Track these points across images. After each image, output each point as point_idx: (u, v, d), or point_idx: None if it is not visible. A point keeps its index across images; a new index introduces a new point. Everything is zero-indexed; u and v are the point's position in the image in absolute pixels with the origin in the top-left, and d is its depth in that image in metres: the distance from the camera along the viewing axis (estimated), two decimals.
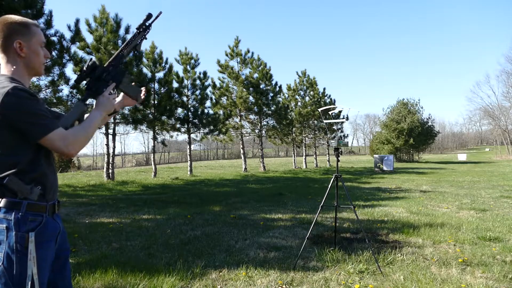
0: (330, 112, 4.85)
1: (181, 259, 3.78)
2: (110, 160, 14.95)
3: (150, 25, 1.75)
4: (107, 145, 14.94)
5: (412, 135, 38.03)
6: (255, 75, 22.94)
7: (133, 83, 1.76)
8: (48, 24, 10.50)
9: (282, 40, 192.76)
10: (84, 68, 1.57)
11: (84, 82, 1.60)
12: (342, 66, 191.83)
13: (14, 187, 1.33)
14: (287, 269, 3.48)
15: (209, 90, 20.56)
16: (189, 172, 19.27)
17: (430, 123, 41.28)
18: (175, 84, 18.34)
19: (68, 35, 11.62)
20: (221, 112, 21.28)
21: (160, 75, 17.34)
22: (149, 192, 11.11)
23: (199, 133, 20.49)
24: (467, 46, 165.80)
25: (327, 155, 33.65)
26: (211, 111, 20.23)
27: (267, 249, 4.19)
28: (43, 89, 11.44)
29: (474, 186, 12.03)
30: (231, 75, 22.35)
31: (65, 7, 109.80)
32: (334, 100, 32.49)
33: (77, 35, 12.00)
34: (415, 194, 9.83)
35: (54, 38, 10.97)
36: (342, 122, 29.04)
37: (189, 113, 18.91)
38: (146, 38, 1.81)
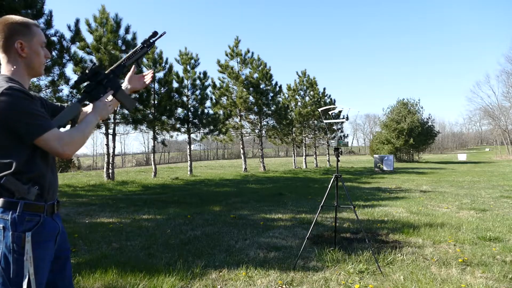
0: (330, 112, 4.85)
1: (181, 259, 3.78)
2: (110, 160, 14.95)
3: (154, 42, 1.83)
4: (107, 145, 14.94)
5: (412, 135, 38.03)
6: (255, 75, 22.95)
7: (130, 95, 1.81)
8: (48, 24, 10.50)
9: (282, 40, 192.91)
10: (87, 71, 1.60)
11: (84, 84, 1.63)
12: (342, 66, 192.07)
13: (12, 187, 1.33)
14: (287, 269, 3.48)
15: (209, 90, 20.59)
16: (189, 172, 19.28)
17: (430, 123, 41.29)
18: (175, 84, 18.36)
19: (68, 35, 11.65)
20: (221, 112, 21.28)
21: (160, 75, 17.36)
22: (149, 192, 11.12)
23: (199, 133, 20.50)
24: (467, 46, 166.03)
25: (327, 155, 33.65)
26: (211, 111, 20.24)
27: (267, 249, 4.19)
28: (43, 89, 11.45)
29: (474, 186, 12.03)
30: (231, 75, 22.35)
31: (65, 7, 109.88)
32: (334, 100, 32.50)
33: (77, 35, 12.01)
34: (415, 194, 9.83)
35: (54, 38, 10.98)
36: (342, 122, 29.04)
37: (189, 113, 18.91)
38: (148, 53, 1.87)
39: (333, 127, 30.03)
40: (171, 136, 20.18)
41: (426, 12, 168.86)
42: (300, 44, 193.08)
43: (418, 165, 31.84)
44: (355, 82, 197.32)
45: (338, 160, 4.06)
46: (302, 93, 29.31)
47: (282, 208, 7.36)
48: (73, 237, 4.74)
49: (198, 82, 19.50)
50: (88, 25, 13.98)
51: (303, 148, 30.07)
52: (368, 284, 3.09)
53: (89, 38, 18.21)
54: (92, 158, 75.43)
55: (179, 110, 18.69)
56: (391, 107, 42.10)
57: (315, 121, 29.29)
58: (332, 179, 3.82)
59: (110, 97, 1.68)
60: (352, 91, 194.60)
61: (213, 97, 21.78)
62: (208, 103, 20.68)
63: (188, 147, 20.10)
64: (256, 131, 24.36)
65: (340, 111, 28.35)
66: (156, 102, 16.98)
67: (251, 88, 22.50)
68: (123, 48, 14.14)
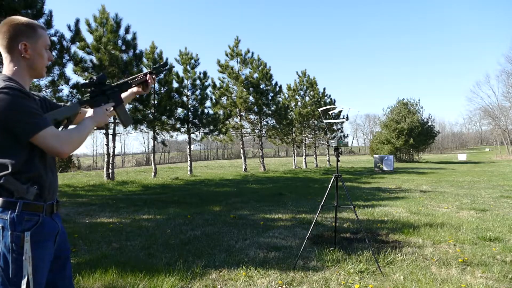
0: (330, 112, 4.85)
1: (181, 259, 3.78)
2: (110, 160, 14.95)
3: (160, 71, 1.98)
4: (107, 145, 14.94)
5: (412, 135, 38.03)
6: (255, 75, 22.94)
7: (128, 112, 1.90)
8: (48, 24, 10.51)
9: (282, 40, 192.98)
10: (94, 78, 1.67)
11: (89, 90, 1.69)
12: (342, 66, 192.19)
13: (11, 187, 1.33)
14: (287, 269, 3.48)
15: (209, 90, 20.58)
16: (189, 172, 19.27)
17: (430, 123, 41.28)
18: (175, 84, 18.38)
19: (68, 35, 11.66)
20: (221, 112, 21.28)
21: (160, 75, 17.34)
22: (149, 192, 11.11)
23: (199, 133, 20.50)
24: (467, 46, 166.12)
25: (327, 155, 33.65)
26: (211, 111, 20.24)
27: (267, 249, 4.19)
28: (43, 89, 11.45)
29: (474, 186, 12.02)
30: (231, 75, 22.34)
31: (65, 7, 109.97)
32: (334, 100, 32.49)
33: (77, 35, 12.01)
34: (415, 194, 9.83)
35: (54, 38, 10.99)
36: (342, 122, 29.04)
37: (189, 113, 18.91)
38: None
39: (333, 127, 30.03)
40: (171, 136, 20.20)
41: (426, 12, 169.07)
42: (300, 44, 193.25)
43: (418, 165, 31.84)
44: (355, 82, 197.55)
45: (338, 160, 4.05)
46: (302, 93, 29.31)
47: (282, 208, 7.36)
48: (73, 237, 4.74)
49: (198, 82, 19.51)
50: (88, 25, 13.98)
51: (303, 148, 30.06)
52: (368, 284, 3.09)
53: (89, 38, 18.24)
54: (92, 158, 75.43)
55: (179, 110, 18.71)
56: (391, 107, 42.13)
57: (315, 121, 29.28)
58: (332, 179, 3.82)
59: (109, 108, 1.71)
60: (352, 91, 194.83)
61: (213, 97, 21.80)
62: (208, 103, 20.72)
63: (188, 147, 20.09)
64: (256, 131, 24.36)
65: (340, 111, 28.34)
66: (156, 102, 16.98)
67: (251, 88, 22.50)
68: (123, 48, 14.14)
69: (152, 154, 18.47)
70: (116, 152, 15.89)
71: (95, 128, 1.67)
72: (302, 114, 27.30)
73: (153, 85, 2.01)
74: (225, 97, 22.62)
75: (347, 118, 30.15)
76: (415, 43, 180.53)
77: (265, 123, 24.85)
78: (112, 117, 1.93)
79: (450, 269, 3.45)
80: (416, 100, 41.57)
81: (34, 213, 1.38)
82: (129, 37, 14.31)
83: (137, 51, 14.56)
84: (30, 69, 1.48)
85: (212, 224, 5.73)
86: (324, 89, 30.68)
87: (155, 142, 17.99)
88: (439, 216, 6.20)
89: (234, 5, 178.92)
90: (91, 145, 76.58)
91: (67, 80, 11.68)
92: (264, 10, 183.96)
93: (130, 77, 1.85)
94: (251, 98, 22.58)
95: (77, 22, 11.96)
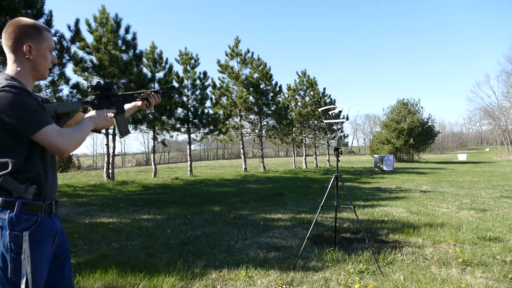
0: (330, 112, 4.85)
1: (181, 259, 3.78)
2: (110, 160, 14.95)
3: (169, 93, 2.12)
4: (107, 145, 14.93)
5: (412, 135, 38.02)
6: (255, 75, 22.94)
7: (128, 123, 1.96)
8: (48, 24, 10.51)
9: (282, 40, 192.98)
10: (102, 82, 1.73)
11: (95, 92, 1.74)
12: (342, 66, 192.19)
13: (9, 186, 1.33)
14: (287, 269, 3.48)
15: (209, 90, 20.58)
16: (189, 172, 19.27)
17: (430, 123, 41.28)
18: (175, 84, 18.35)
19: (68, 35, 11.66)
20: (221, 112, 21.28)
21: (160, 75, 17.36)
22: (149, 192, 11.11)
23: (199, 133, 20.49)
24: (467, 46, 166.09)
25: (327, 155, 33.65)
26: (211, 111, 20.24)
27: (267, 249, 4.19)
28: (43, 89, 11.45)
29: (474, 186, 12.02)
30: (231, 75, 22.35)
31: (65, 7, 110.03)
32: (334, 100, 32.49)
33: (77, 35, 12.01)
34: (415, 194, 9.83)
35: (54, 38, 10.98)
36: (342, 122, 29.04)
37: (189, 113, 18.91)
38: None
39: (333, 127, 30.03)
40: (171, 136, 20.20)
41: (426, 12, 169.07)
42: (300, 44, 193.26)
43: (418, 165, 31.84)
44: (355, 82, 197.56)
45: (338, 160, 4.05)
46: (302, 93, 29.31)
47: (282, 208, 7.36)
48: (73, 237, 4.73)
49: (198, 82, 19.51)
50: (88, 25, 13.98)
51: (303, 148, 30.06)
52: (368, 284, 3.09)
53: (89, 38, 18.25)
54: (92, 158, 75.44)
55: (179, 110, 18.70)
56: (391, 107, 42.13)
57: (315, 121, 29.28)
58: (332, 179, 3.82)
59: (110, 114, 1.73)
60: (352, 91, 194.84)
61: (213, 97, 21.80)
62: (208, 103, 20.71)
63: (188, 147, 20.09)
64: (256, 131, 24.36)
65: (340, 111, 28.34)
66: None
67: (251, 88, 22.50)
68: (123, 48, 14.14)
69: (152, 154, 18.47)
70: (116, 152, 15.89)
71: (92, 130, 1.69)
72: (302, 114, 27.30)
73: (157, 104, 2.06)
74: (225, 97, 22.62)
75: (347, 118, 30.15)
76: (415, 43, 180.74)
77: (265, 123, 24.85)
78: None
79: (450, 269, 3.45)
80: (416, 100, 41.62)
81: (32, 212, 1.38)
82: (129, 37, 14.32)
83: (137, 51, 14.56)
84: (33, 71, 1.49)
85: (212, 224, 5.73)
86: (324, 89, 30.72)
87: (155, 142, 17.98)
88: (439, 216, 6.20)
89: (234, 5, 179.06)
90: (91, 145, 76.68)
91: (67, 80, 11.68)
92: (264, 10, 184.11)
93: (137, 91, 1.90)
94: (251, 98, 22.58)
95: (77, 22, 11.97)
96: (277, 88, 24.49)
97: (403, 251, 4.01)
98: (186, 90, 19.11)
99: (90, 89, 1.71)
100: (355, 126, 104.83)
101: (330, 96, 31.69)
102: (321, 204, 3.75)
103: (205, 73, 19.72)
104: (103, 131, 1.86)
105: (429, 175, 17.84)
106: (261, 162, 24.01)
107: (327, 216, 6.24)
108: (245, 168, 22.21)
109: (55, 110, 1.51)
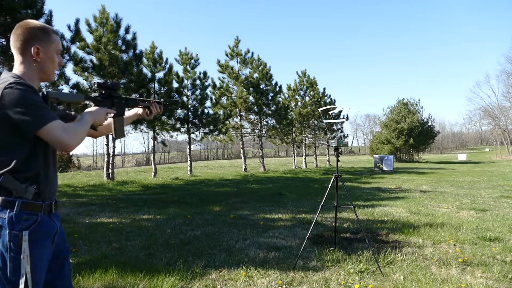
0: (330, 112, 4.85)
1: (181, 259, 3.78)
2: (110, 160, 14.95)
3: (172, 107, 2.20)
4: (107, 145, 14.93)
5: (412, 135, 38.01)
6: (255, 75, 22.93)
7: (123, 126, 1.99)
8: (48, 24, 10.48)
9: (282, 40, 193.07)
10: (109, 81, 1.76)
11: (100, 90, 1.76)
12: (342, 66, 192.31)
13: (9, 185, 1.33)
14: (287, 269, 3.48)
15: (209, 90, 20.58)
16: (189, 172, 19.27)
17: (430, 123, 41.27)
18: (175, 84, 18.35)
19: (68, 35, 11.66)
20: (221, 112, 21.27)
21: (160, 75, 17.34)
22: (149, 192, 11.11)
23: (199, 133, 20.49)
24: (467, 46, 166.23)
25: (327, 155, 33.65)
26: (211, 111, 20.23)
27: (267, 249, 4.19)
28: (43, 89, 11.44)
29: (474, 186, 12.02)
30: (231, 75, 22.34)
31: (65, 7, 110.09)
32: (334, 100, 32.48)
33: (77, 35, 12.01)
34: (415, 194, 9.83)
35: None
36: (342, 122, 29.04)
37: (189, 113, 18.91)
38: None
39: (333, 127, 30.03)
40: (171, 136, 20.19)
41: (426, 12, 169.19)
42: (300, 44, 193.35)
43: (418, 165, 31.83)
44: (355, 82, 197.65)
45: (338, 160, 4.05)
46: (302, 93, 29.30)
47: (282, 208, 7.36)
48: (73, 237, 4.73)
49: (198, 82, 19.51)
50: (88, 25, 13.97)
51: (303, 148, 30.05)
52: (368, 284, 3.09)
53: (89, 38, 18.26)
54: (92, 158, 75.44)
55: (179, 110, 18.68)
56: (391, 107, 42.11)
57: (315, 121, 29.27)
58: (332, 179, 3.82)
59: (110, 114, 1.76)
60: (352, 91, 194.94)
61: (213, 97, 21.80)
62: (208, 103, 20.72)
63: (188, 147, 20.09)
64: (256, 131, 24.35)
65: (340, 111, 28.33)
66: None
67: (251, 88, 22.49)
68: (123, 48, 14.14)
69: (152, 154, 18.47)
70: (116, 152, 15.90)
71: (92, 125, 1.70)
72: (302, 114, 27.30)
73: (158, 115, 2.11)
74: (225, 97, 22.62)
75: (347, 118, 30.13)
76: (415, 43, 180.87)
77: (265, 123, 24.85)
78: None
79: (450, 269, 3.45)
80: (416, 100, 41.60)
81: (32, 212, 1.38)
82: (129, 37, 14.31)
83: (137, 51, 14.55)
84: (40, 72, 1.50)
85: (212, 224, 5.73)
86: (324, 89, 30.71)
87: (155, 142, 17.99)
88: (439, 216, 6.20)
89: (234, 5, 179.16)
90: (91, 145, 76.67)
91: (67, 80, 11.68)
92: (264, 10, 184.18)
93: (140, 98, 1.93)
94: (251, 98, 22.58)
95: (77, 22, 11.96)
96: (277, 88, 24.50)
97: (403, 251, 4.01)
98: (186, 90, 19.11)
99: (96, 85, 1.72)
100: (355, 126, 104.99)
101: (330, 96, 31.71)
102: (321, 204, 3.75)
103: (205, 73, 19.74)
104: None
105: (429, 175, 17.83)
106: (261, 162, 24.01)
107: (327, 216, 6.24)
108: (245, 168, 22.21)
109: (58, 98, 1.53)
